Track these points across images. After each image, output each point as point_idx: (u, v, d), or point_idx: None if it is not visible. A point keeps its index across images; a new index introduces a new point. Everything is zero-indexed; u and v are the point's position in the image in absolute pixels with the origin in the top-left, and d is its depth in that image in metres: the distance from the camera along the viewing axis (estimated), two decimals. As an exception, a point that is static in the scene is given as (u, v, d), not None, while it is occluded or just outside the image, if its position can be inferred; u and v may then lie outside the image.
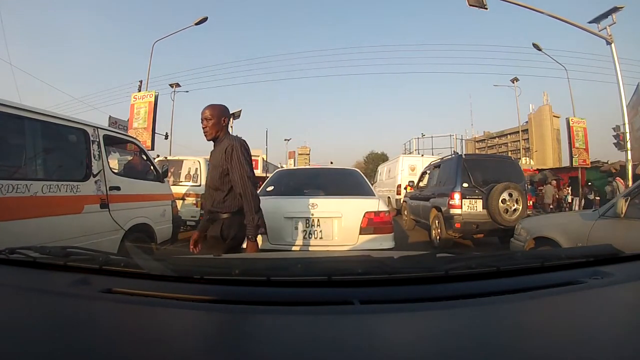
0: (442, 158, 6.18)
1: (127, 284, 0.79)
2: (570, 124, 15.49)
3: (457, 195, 4.78)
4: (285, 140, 41.55)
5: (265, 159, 36.62)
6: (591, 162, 16.19)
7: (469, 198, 4.80)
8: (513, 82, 24.12)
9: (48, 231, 2.61)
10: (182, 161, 6.39)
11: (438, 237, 5.21)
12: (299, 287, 0.80)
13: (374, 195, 3.16)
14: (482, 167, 5.08)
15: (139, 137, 12.40)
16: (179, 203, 6.11)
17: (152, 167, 4.05)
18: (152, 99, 12.45)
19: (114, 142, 3.71)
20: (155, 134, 16.49)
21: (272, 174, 3.90)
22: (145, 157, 4.04)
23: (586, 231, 2.56)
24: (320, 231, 2.74)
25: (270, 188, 3.35)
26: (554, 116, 45.75)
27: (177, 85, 22.34)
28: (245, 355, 0.51)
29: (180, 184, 6.21)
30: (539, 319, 0.67)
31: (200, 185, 6.08)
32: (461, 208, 4.75)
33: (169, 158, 6.73)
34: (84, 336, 0.58)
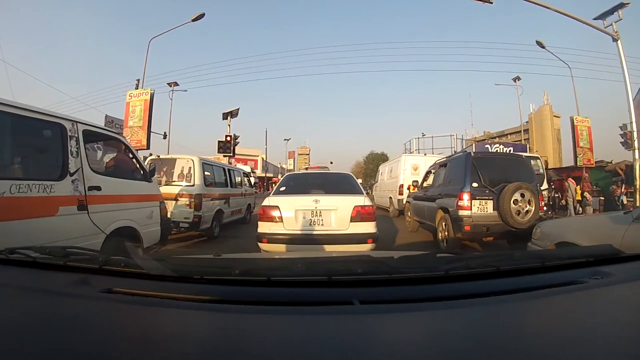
0: (449, 156, 5.88)
1: (127, 284, 0.79)
2: (575, 123, 15.24)
3: (466, 196, 4.47)
4: (285, 140, 41.24)
5: (265, 159, 36.31)
6: (595, 162, 15.95)
7: (479, 199, 4.48)
8: (515, 81, 23.92)
9: (18, 236, 2.32)
10: (175, 160, 6.09)
11: (445, 240, 4.92)
12: (299, 287, 0.79)
13: (362, 193, 3.98)
14: (492, 166, 4.77)
15: (135, 136, 12.11)
16: (171, 204, 5.83)
17: (138, 166, 3.75)
18: (148, 97, 12.13)
19: (96, 138, 3.41)
20: (154, 134, 16.27)
21: (283, 177, 4.81)
22: (131, 155, 3.74)
23: (618, 236, 2.26)
24: (322, 219, 3.57)
25: (282, 188, 4.22)
26: (554, 116, 45.53)
27: (175, 84, 22.17)
28: (245, 355, 0.51)
29: (173, 183, 5.92)
30: (539, 319, 0.66)
31: (194, 185, 5.78)
32: (471, 209, 4.44)
33: (161, 157, 6.43)
34: (85, 336, 0.58)
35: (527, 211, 4.60)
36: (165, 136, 20.08)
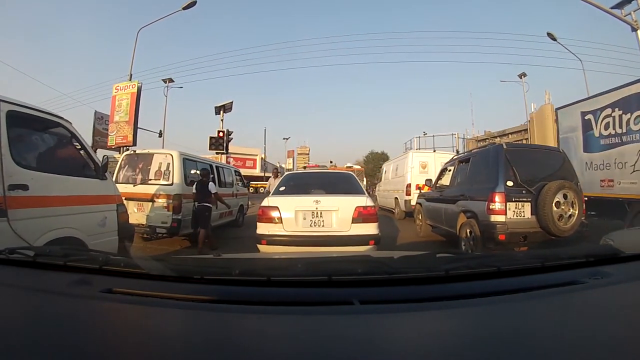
0: (471, 150, 5.06)
1: (127, 284, 0.79)
2: (588, 120, 14.47)
3: (499, 198, 3.65)
4: (284, 139, 40.36)
5: (264, 158, 35.43)
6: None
7: (515, 201, 3.68)
8: (521, 78, 23.19)
9: None
10: (152, 155, 5.28)
11: (471, 251, 4.10)
12: (299, 287, 0.79)
13: (364, 193, 3.86)
14: (527, 161, 3.94)
15: (120, 131, 11.29)
16: (147, 206, 5.03)
17: (88, 159, 2.95)
18: (135, 90, 11.28)
19: (28, 123, 2.60)
20: (149, 132, 15.45)
21: (282, 177, 4.67)
22: (78, 145, 2.94)
23: None
24: (323, 221, 3.44)
25: (282, 188, 4.06)
26: (556, 115, 44.78)
27: (171, 80, 21.41)
28: (245, 355, 0.51)
29: (150, 182, 5.11)
30: (539, 319, 0.65)
31: (172, 185, 4.97)
32: (505, 214, 3.62)
33: (137, 151, 5.62)
34: (85, 336, 0.58)
35: (570, 216, 3.81)
36: (160, 134, 19.40)
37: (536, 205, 3.68)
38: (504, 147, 3.95)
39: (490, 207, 3.68)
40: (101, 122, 17.48)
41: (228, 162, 18.24)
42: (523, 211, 3.69)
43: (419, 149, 24.30)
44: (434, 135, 28.69)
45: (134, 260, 0.87)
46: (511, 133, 50.72)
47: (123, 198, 5.17)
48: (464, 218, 4.27)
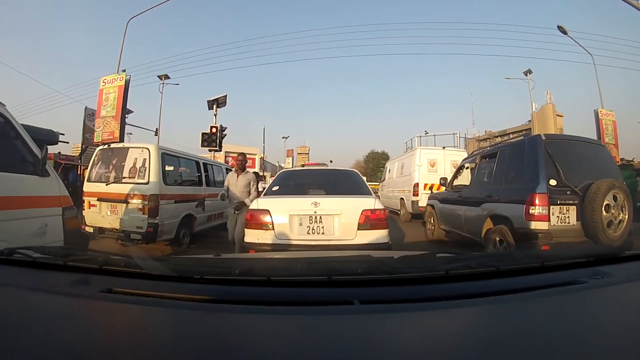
0: (498, 143, 4.40)
1: (127, 284, 0.79)
2: (599, 117, 13.87)
3: (541, 200, 2.98)
4: (284, 137, 39.47)
5: (263, 157, 34.65)
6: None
7: (560, 204, 3.02)
8: (526, 75, 22.55)
9: None
10: (127, 149, 4.61)
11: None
12: (299, 287, 0.79)
13: (371, 194, 3.32)
14: (570, 155, 3.28)
15: (107, 127, 10.57)
16: (120, 208, 4.36)
17: (24, 150, 2.29)
18: (123, 83, 10.56)
19: None
20: (146, 130, 14.74)
21: (277, 175, 4.07)
22: (12, 133, 2.28)
23: None
24: (322, 227, 2.93)
25: (275, 188, 3.57)
26: (557, 115, 44.51)
27: (166, 77, 20.74)
28: (246, 355, 0.51)
29: (124, 180, 4.44)
30: (539, 319, 0.65)
31: (148, 183, 4.30)
32: (548, 220, 2.96)
33: (112, 146, 4.96)
34: (85, 336, 0.58)
35: (620, 222, 3.17)
36: (156, 132, 18.75)
37: (582, 209, 3.04)
38: (543, 138, 3.28)
39: (530, 211, 3.00)
40: (92, 118, 16.73)
41: (227, 162, 17.53)
42: (568, 217, 3.03)
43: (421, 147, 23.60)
44: (434, 135, 28.09)
45: (134, 260, 0.85)
46: (512, 133, 50.23)
47: (95, 198, 4.58)
48: (491, 224, 3.61)
